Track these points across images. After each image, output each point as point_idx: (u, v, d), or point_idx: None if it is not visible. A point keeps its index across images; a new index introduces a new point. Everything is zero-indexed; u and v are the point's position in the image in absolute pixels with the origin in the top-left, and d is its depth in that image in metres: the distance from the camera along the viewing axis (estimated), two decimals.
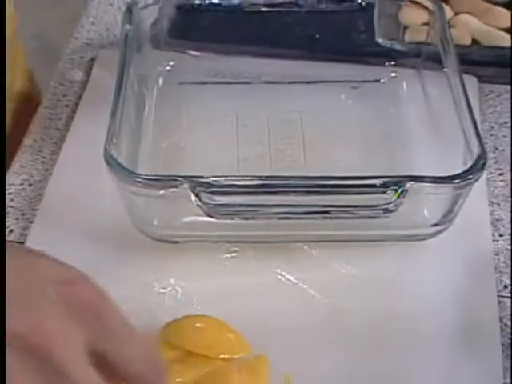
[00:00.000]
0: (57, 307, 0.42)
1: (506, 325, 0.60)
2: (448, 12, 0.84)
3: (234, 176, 0.58)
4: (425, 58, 0.75)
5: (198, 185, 0.57)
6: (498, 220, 0.67)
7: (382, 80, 0.78)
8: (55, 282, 0.43)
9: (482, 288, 0.62)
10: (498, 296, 0.61)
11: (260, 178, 0.58)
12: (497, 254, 0.65)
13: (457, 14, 0.84)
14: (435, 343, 0.59)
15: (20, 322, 0.40)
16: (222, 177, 0.57)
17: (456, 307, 0.61)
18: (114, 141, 0.59)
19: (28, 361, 0.40)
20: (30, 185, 0.69)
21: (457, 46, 0.70)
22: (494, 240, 0.66)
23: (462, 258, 0.63)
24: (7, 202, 0.68)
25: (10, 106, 0.81)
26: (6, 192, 0.68)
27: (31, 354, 0.40)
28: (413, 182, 0.57)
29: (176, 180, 0.57)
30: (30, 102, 0.83)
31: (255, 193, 0.58)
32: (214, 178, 0.57)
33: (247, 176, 0.58)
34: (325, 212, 0.59)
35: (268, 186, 0.58)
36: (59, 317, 0.42)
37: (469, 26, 0.83)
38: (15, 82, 0.83)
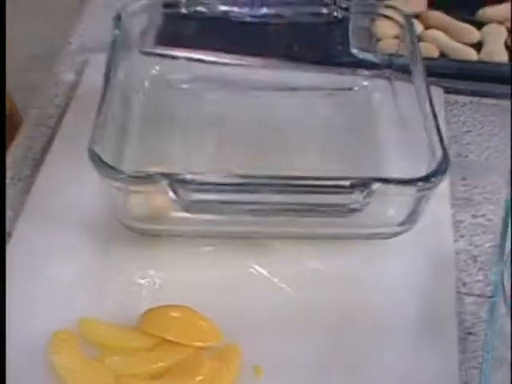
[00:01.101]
0: None
1: (463, 319, 0.59)
2: (418, 27, 0.83)
3: (210, 174, 0.57)
4: (395, 68, 0.74)
5: (176, 181, 0.56)
6: (459, 221, 0.66)
7: (355, 88, 0.77)
8: None
9: (441, 284, 0.61)
10: (457, 292, 0.60)
11: (234, 176, 0.57)
12: (458, 253, 0.64)
13: (427, 28, 0.84)
14: (398, 335, 0.58)
15: None
16: (198, 174, 0.56)
17: (418, 302, 0.60)
18: (98, 138, 0.58)
19: None
20: (20, 180, 0.68)
21: (425, 58, 0.69)
22: (455, 240, 0.65)
23: (425, 256, 0.63)
24: None
25: None
26: None
27: None
28: (379, 184, 0.57)
29: (155, 177, 0.56)
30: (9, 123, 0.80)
31: (229, 190, 0.57)
32: (191, 176, 0.56)
33: (222, 174, 0.57)
34: (295, 210, 0.58)
35: (241, 185, 0.57)
36: None
37: (437, 41, 0.82)
38: None
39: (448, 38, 0.82)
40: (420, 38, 0.81)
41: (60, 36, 0.85)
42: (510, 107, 0.75)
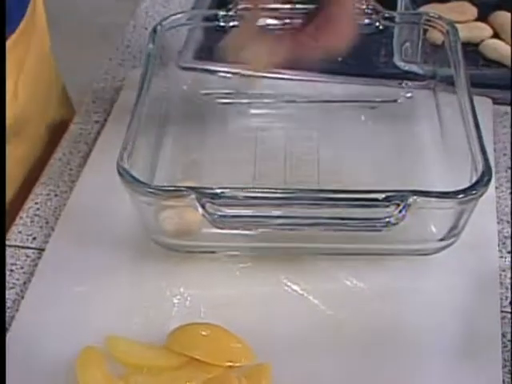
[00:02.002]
0: None
1: (508, 340, 0.56)
2: (487, 31, 0.81)
3: (239, 188, 0.55)
4: (440, 79, 0.72)
5: (204, 195, 0.54)
6: (506, 237, 0.63)
7: (398, 100, 0.75)
8: None
9: (485, 303, 0.58)
10: (502, 311, 0.57)
11: (263, 190, 0.55)
12: (504, 271, 0.61)
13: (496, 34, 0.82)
14: (437, 357, 0.55)
15: None
16: (227, 188, 0.55)
17: (460, 321, 0.57)
18: (129, 154, 0.57)
19: None
20: (56, 195, 0.67)
21: (472, 69, 0.67)
22: (501, 257, 0.62)
23: (468, 273, 0.60)
24: (33, 211, 0.66)
25: (42, 133, 0.78)
26: (33, 202, 0.67)
27: None
28: (415, 197, 0.54)
29: (183, 190, 0.55)
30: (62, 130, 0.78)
31: (259, 204, 0.55)
32: (220, 190, 0.54)
33: (251, 188, 0.55)
34: (329, 224, 0.56)
35: (271, 199, 0.55)
36: None
37: (497, 51, 0.80)
38: (50, 109, 0.80)
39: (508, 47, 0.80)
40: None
41: (100, 53, 0.85)
42: None
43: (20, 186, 0.73)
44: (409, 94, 0.75)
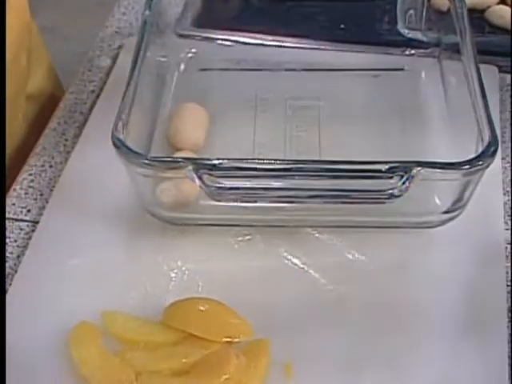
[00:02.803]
0: None
1: None
2: None
3: (237, 159, 0.53)
4: (445, 47, 0.70)
5: (202, 167, 0.52)
6: None
7: (403, 68, 0.72)
8: None
9: (491, 277, 0.56)
10: (508, 285, 0.56)
11: (262, 161, 0.53)
12: (509, 243, 0.59)
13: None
14: (441, 331, 0.54)
15: None
16: (224, 159, 0.53)
17: (465, 296, 0.55)
18: (123, 123, 0.55)
19: None
20: (51, 166, 0.66)
21: (478, 36, 0.64)
22: (507, 229, 0.60)
23: (473, 247, 0.58)
24: (28, 183, 0.64)
25: (23, 105, 0.75)
26: (28, 173, 0.65)
27: None
28: (419, 168, 0.52)
29: (180, 162, 0.53)
30: (50, 104, 0.76)
31: (258, 176, 0.53)
32: (218, 161, 0.52)
33: (250, 159, 0.53)
34: (330, 196, 0.54)
35: (270, 170, 0.53)
36: None
37: (503, 18, 0.77)
38: (33, 80, 0.77)
39: None
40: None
41: (97, 21, 0.83)
42: None
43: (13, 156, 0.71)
44: (413, 62, 0.72)
